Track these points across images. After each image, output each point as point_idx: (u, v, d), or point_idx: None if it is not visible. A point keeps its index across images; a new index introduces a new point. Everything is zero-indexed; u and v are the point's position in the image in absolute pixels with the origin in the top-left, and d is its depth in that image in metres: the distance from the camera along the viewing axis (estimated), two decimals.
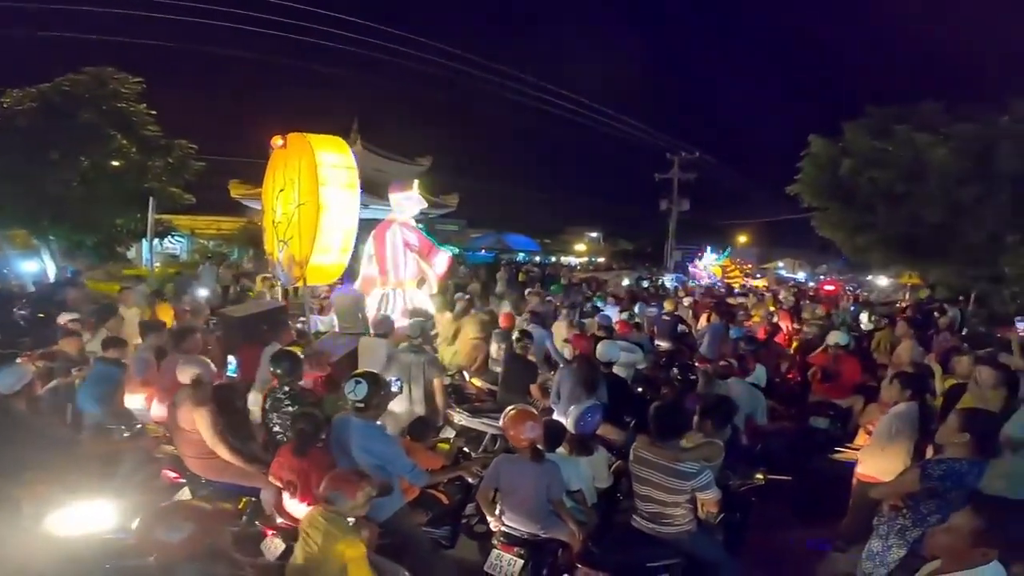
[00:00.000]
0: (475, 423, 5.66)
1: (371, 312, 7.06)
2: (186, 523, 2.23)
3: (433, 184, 17.17)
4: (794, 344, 9.22)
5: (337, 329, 7.03)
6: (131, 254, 18.57)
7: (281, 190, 6.93)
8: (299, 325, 7.58)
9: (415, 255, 7.44)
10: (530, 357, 6.14)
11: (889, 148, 14.13)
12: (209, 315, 8.02)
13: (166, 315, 7.65)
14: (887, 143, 14.21)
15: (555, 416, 4.72)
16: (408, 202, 7.59)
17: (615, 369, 5.50)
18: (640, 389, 5.84)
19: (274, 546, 3.41)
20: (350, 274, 7.67)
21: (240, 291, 12.20)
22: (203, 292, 10.75)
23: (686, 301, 12.93)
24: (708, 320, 9.50)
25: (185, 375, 4.01)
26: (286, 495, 3.48)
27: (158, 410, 4.78)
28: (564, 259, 42.02)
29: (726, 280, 24.96)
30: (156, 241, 14.08)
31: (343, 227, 6.59)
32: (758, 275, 30.37)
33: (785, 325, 10.08)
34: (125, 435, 4.53)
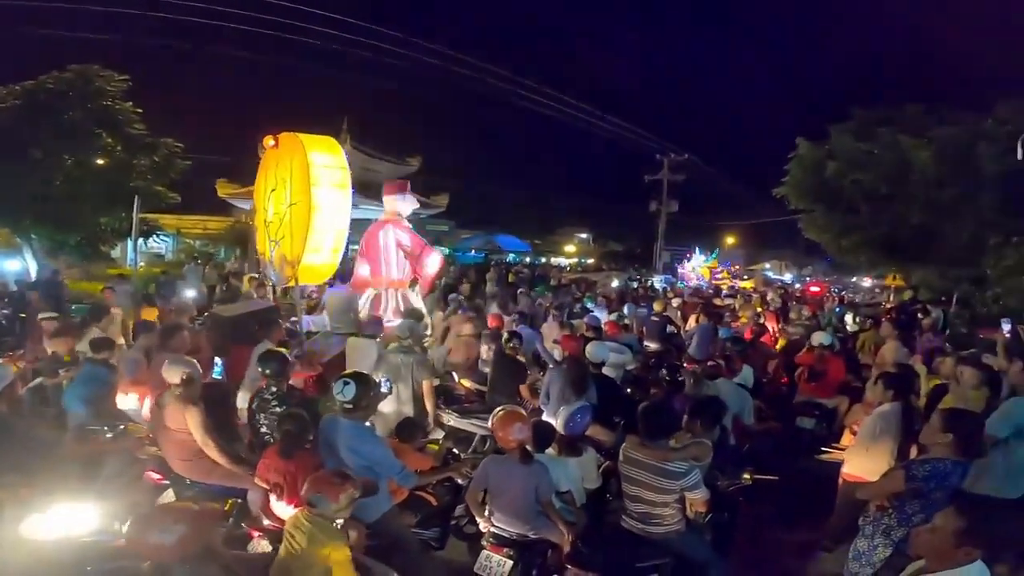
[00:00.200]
0: (464, 424, 5.64)
1: (364, 312, 7.03)
2: (178, 525, 2.21)
3: (423, 184, 17.13)
4: (780, 342, 9.30)
5: (329, 329, 7.00)
6: (115, 253, 18.35)
7: (273, 190, 6.90)
8: (289, 325, 7.53)
9: (407, 255, 7.42)
10: (519, 358, 6.14)
11: (873, 150, 14.32)
12: (195, 315, 7.95)
13: (151, 317, 7.58)
14: (871, 145, 14.39)
15: (544, 417, 4.71)
16: (401, 202, 7.57)
17: (604, 370, 5.51)
18: (629, 390, 5.85)
19: (261, 548, 3.38)
20: (342, 274, 7.64)
21: (227, 290, 12.08)
22: (190, 293, 10.64)
23: (675, 302, 12.98)
24: (697, 321, 9.55)
25: (170, 375, 3.95)
26: (273, 497, 3.45)
27: (148, 410, 4.72)
28: (554, 260, 42.06)
29: (714, 282, 25.10)
30: (141, 241, 13.92)
31: (335, 227, 6.57)
32: (745, 276, 30.57)
33: (771, 326, 10.16)
34: (108, 436, 4.47)
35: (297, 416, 3.55)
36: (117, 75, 13.31)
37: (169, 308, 7.99)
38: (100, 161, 12.96)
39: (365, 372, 3.99)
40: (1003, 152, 12.22)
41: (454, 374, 6.88)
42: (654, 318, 9.64)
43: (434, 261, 7.60)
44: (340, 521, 2.83)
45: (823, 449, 5.08)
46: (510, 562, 3.39)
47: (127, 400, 4.84)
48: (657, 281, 22.90)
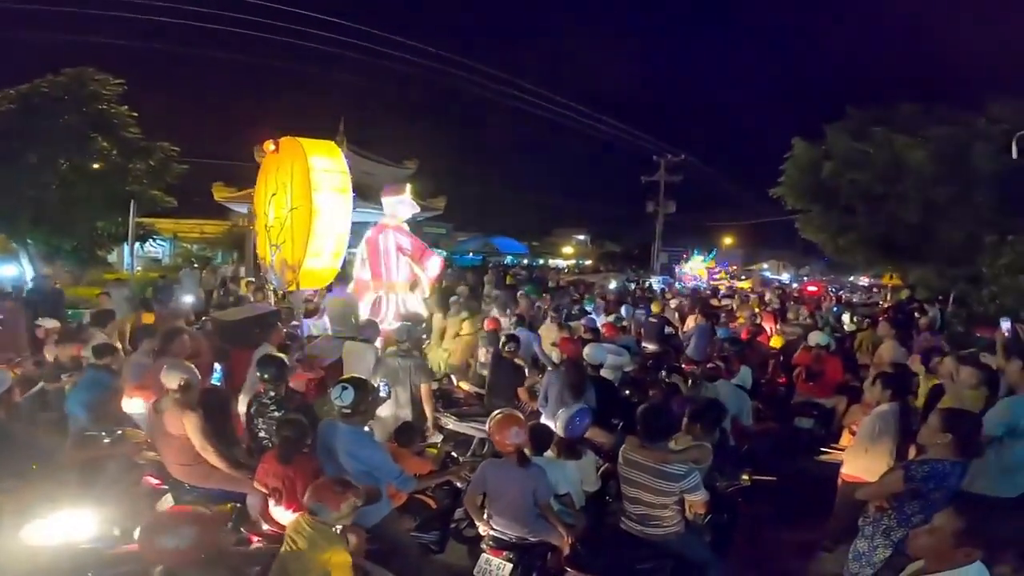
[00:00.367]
0: (463, 427, 5.64)
1: (364, 316, 7.03)
2: (189, 529, 2.22)
3: (420, 187, 17.11)
4: (779, 342, 9.30)
5: (330, 333, 6.99)
6: (112, 258, 18.30)
7: (273, 194, 6.91)
8: (290, 329, 7.51)
9: (407, 258, 7.43)
10: (517, 360, 6.13)
11: (869, 150, 14.35)
12: (192, 319, 7.92)
13: (148, 322, 7.54)
14: (867, 145, 14.42)
15: (543, 419, 4.71)
16: (401, 206, 7.58)
17: (603, 372, 5.51)
18: (627, 392, 5.85)
19: None
20: (343, 278, 7.64)
21: (226, 294, 12.05)
22: (187, 297, 10.60)
23: (673, 303, 12.99)
24: (695, 322, 9.56)
25: (169, 380, 3.94)
26: (272, 501, 3.44)
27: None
28: (552, 262, 42.05)
29: (711, 282, 25.14)
30: (137, 245, 13.89)
31: (335, 231, 6.58)
32: (743, 276, 30.61)
33: (769, 326, 10.17)
34: (106, 441, 4.45)
35: (295, 421, 3.54)
36: (112, 79, 13.26)
37: (165, 313, 7.96)
38: (96, 165, 12.91)
39: (362, 376, 3.99)
40: (998, 151, 12.28)
41: (452, 377, 6.89)
42: (652, 319, 9.64)
43: (434, 264, 7.62)
44: (339, 527, 2.83)
45: (822, 450, 5.09)
46: (510, 565, 3.39)
47: (132, 404, 4.82)
48: (655, 282, 22.91)
